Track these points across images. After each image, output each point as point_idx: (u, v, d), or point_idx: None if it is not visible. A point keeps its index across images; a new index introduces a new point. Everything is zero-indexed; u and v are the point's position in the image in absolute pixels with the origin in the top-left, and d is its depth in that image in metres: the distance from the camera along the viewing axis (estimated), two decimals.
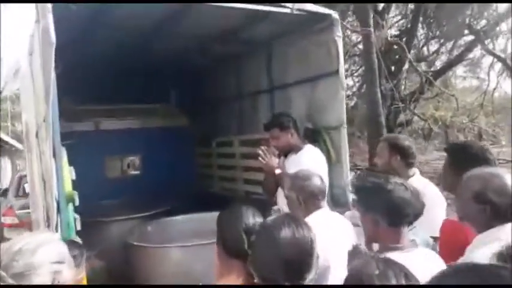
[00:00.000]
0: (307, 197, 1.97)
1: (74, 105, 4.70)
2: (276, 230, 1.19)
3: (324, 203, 2.03)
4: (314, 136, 3.37)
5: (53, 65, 1.99)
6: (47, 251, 1.17)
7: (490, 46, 10.57)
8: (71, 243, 1.68)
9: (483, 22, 9.94)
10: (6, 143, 16.57)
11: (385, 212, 1.59)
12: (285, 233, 1.18)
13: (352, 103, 15.75)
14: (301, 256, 1.17)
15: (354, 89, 15.37)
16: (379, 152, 2.69)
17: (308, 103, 3.51)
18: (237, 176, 4.56)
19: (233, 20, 3.27)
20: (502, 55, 10.40)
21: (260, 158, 2.98)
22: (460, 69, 15.09)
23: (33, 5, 2.17)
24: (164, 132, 5.15)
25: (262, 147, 3.02)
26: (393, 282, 0.87)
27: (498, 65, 11.81)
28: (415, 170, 2.64)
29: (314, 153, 3.05)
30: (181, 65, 4.61)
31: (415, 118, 13.14)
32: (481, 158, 1.93)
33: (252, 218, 1.48)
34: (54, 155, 2.06)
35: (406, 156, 2.56)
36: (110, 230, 3.72)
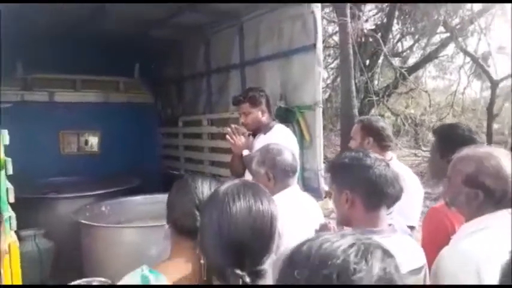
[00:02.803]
0: (277, 173, 1.74)
1: (27, 74, 4.32)
2: (227, 203, 0.94)
3: (294, 181, 1.81)
4: (287, 116, 3.15)
5: None
6: None
7: (463, 45, 10.73)
8: None
9: (457, 20, 9.99)
10: None
11: (363, 190, 1.38)
12: (240, 206, 0.93)
13: (326, 95, 15.74)
14: (261, 236, 0.92)
15: (328, 81, 15.33)
16: (353, 134, 2.53)
17: (281, 80, 3.28)
18: (203, 158, 4.30)
19: None
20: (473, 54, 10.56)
21: (228, 137, 2.75)
22: (432, 69, 15.36)
23: None
24: (127, 108, 4.83)
25: (232, 126, 2.79)
26: (369, 258, 0.64)
27: (468, 66, 12.06)
28: (392, 154, 2.49)
29: (285, 133, 2.83)
30: (146, 36, 4.29)
31: (387, 114, 13.25)
32: (468, 139, 1.76)
33: (209, 191, 1.24)
34: None
35: (380, 139, 2.39)
36: (60, 208, 3.40)
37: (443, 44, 10.98)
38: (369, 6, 12.47)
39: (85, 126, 4.82)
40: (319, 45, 2.93)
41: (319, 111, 2.97)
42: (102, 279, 2.06)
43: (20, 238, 2.12)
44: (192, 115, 4.60)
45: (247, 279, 0.86)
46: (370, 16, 12.82)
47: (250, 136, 2.88)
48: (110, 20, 3.77)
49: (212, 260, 0.94)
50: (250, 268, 0.89)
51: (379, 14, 12.46)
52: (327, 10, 12.44)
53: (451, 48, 12.12)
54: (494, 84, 9.77)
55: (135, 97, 4.97)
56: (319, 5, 2.89)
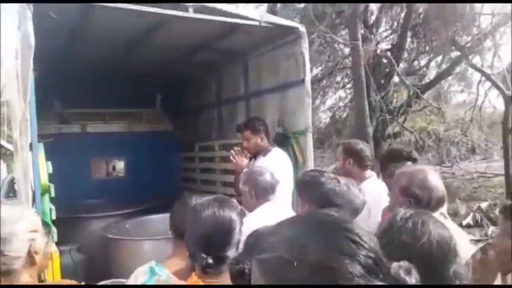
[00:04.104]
0: (258, 191, 2.18)
1: (63, 109, 4.94)
2: (200, 210, 1.39)
3: (274, 197, 2.23)
4: (283, 140, 3.59)
5: (31, 66, 2.20)
6: (25, 222, 1.40)
7: (479, 62, 10.88)
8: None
9: (468, 38, 10.21)
10: (1, 146, 16.75)
11: (318, 201, 1.79)
12: (207, 212, 1.37)
13: (344, 114, 16.01)
14: (220, 232, 1.35)
15: (346, 101, 15.63)
16: (337, 156, 2.92)
17: (279, 109, 3.74)
18: (216, 179, 4.76)
19: (209, 31, 3.52)
20: (489, 71, 10.66)
21: (231, 157, 3.21)
22: (455, 84, 15.39)
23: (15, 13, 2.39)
24: (149, 136, 5.37)
25: (235, 148, 3.25)
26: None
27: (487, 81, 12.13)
28: (371, 173, 2.85)
29: (280, 155, 3.28)
30: (166, 72, 4.84)
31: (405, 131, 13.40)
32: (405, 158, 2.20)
33: None
34: (31, 149, 2.27)
35: (359, 159, 2.77)
36: (91, 226, 3.91)
37: (456, 62, 11.18)
38: (382, 27, 12.87)
39: (113, 153, 5.41)
40: (308, 79, 3.39)
41: (309, 135, 3.40)
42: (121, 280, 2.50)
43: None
44: (207, 141, 5.09)
45: (210, 261, 1.31)
46: (384, 37, 13.19)
47: (252, 159, 3.35)
48: (136, 58, 4.29)
49: (190, 249, 1.38)
50: (214, 254, 1.33)
51: (392, 35, 12.79)
52: (342, 33, 12.93)
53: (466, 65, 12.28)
54: (507, 99, 9.85)
55: (156, 126, 5.53)
56: (307, 46, 3.36)
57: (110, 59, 4.19)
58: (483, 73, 10.20)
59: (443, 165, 13.88)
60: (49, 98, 4.46)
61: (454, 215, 7.53)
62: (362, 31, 10.37)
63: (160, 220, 3.83)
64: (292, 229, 0.70)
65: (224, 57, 4.33)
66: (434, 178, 1.79)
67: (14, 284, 1.35)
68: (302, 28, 3.34)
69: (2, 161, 19.34)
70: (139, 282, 1.62)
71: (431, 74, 13.89)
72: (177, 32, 3.48)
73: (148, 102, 5.49)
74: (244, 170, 3.14)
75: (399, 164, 2.10)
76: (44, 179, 2.40)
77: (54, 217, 2.53)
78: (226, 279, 1.34)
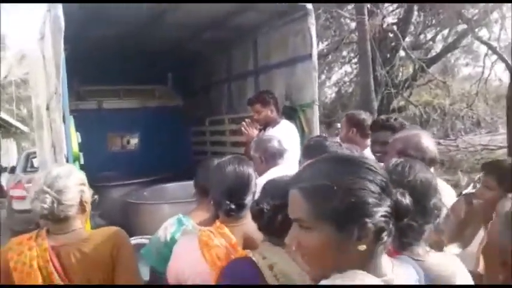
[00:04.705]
0: (267, 156, 2.43)
1: (80, 86, 5.18)
2: (224, 166, 1.64)
3: (282, 161, 2.48)
4: (290, 113, 3.82)
5: (62, 47, 2.43)
6: (76, 176, 1.67)
7: (486, 34, 10.87)
8: None
9: (475, 11, 10.20)
10: (11, 125, 17.17)
11: None
12: (229, 168, 1.63)
13: (350, 89, 16.10)
14: (240, 184, 1.61)
15: (352, 76, 15.69)
16: (341, 126, 3.15)
17: (287, 84, 3.95)
18: (226, 151, 5.02)
19: (222, 10, 3.70)
20: (495, 44, 10.66)
21: (243, 129, 3.45)
22: (462, 58, 15.34)
23: None
24: (161, 111, 5.62)
25: (246, 120, 3.49)
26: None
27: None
28: None
29: (288, 127, 3.51)
30: (177, 50, 5.02)
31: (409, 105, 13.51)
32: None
33: None
34: (64, 121, 2.52)
35: (361, 129, 3.01)
36: (110, 194, 4.20)
37: (462, 35, 11.19)
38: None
39: (127, 128, 5.69)
40: (314, 54, 3.58)
41: (316, 108, 3.62)
42: (145, 237, 2.77)
43: None
44: (217, 115, 5.33)
45: (233, 206, 1.57)
46: (390, 11, 13.12)
47: (262, 131, 3.58)
48: (149, 36, 4.44)
49: (215, 199, 1.64)
50: (236, 201, 1.59)
51: (399, 9, 12.75)
52: (349, 7, 12.89)
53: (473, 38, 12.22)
54: None
55: (168, 102, 5.77)
56: (314, 22, 3.54)
57: (124, 38, 4.36)
58: (489, 46, 10.23)
59: (448, 138, 14.02)
60: (68, 77, 4.68)
61: (455, 186, 7.79)
62: (368, 6, 10.39)
63: (175, 188, 4.13)
64: (325, 163, 0.91)
65: (234, 35, 4.50)
66: (427, 141, 2.03)
67: (70, 230, 1.62)
68: (310, 5, 3.51)
69: (12, 139, 19.82)
70: (168, 233, 1.87)
71: (438, 47, 13.87)
72: (188, 11, 3.66)
73: (161, 80, 5.71)
74: (254, 139, 3.40)
75: (376, 133, 2.39)
76: (75, 147, 2.66)
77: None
78: (245, 224, 1.60)
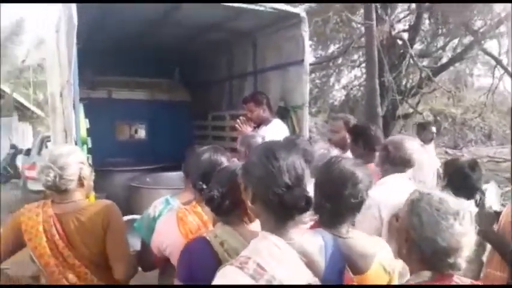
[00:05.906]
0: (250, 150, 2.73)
1: (92, 76, 5.53)
2: (200, 154, 1.95)
3: None
4: (284, 113, 4.12)
5: (75, 41, 2.76)
6: (76, 155, 1.97)
7: (495, 47, 10.91)
8: None
9: (481, 23, 10.30)
10: (28, 109, 17.74)
11: None
12: (205, 155, 1.92)
13: (359, 93, 16.20)
14: (213, 169, 1.86)
15: (361, 80, 15.79)
16: (335, 129, 3.38)
17: (281, 86, 4.26)
18: (226, 146, 5.33)
19: (223, 13, 4.00)
20: (504, 57, 10.72)
21: (237, 126, 3.76)
22: (475, 68, 15.29)
23: None
24: (167, 104, 5.96)
25: (241, 118, 3.80)
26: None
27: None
28: None
29: (279, 125, 3.83)
30: (184, 47, 5.35)
31: (425, 113, 13.45)
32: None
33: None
34: (74, 108, 2.86)
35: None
36: (116, 179, 4.56)
37: (470, 46, 11.27)
38: (399, 8, 12.92)
39: (135, 118, 6.06)
40: (306, 60, 3.87)
41: (306, 109, 3.92)
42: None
43: None
44: (218, 111, 5.65)
45: (205, 187, 1.87)
46: (401, 18, 13.22)
47: (256, 128, 3.89)
48: (158, 33, 4.75)
49: (192, 181, 1.93)
50: (208, 184, 1.90)
51: (409, 16, 12.85)
52: (361, 11, 13.03)
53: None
54: None
55: (174, 96, 6.11)
56: (307, 29, 3.82)
57: (135, 33, 4.69)
58: (495, 59, 10.33)
59: (457, 148, 14.03)
60: (80, 67, 5.04)
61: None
62: (379, 11, 10.53)
63: (175, 176, 4.46)
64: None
65: (235, 37, 4.81)
66: (409, 143, 2.32)
67: (70, 200, 1.94)
68: (303, 13, 3.80)
69: (28, 123, 20.38)
70: (157, 210, 2.16)
71: (448, 56, 13.94)
72: (193, 14, 3.98)
73: (168, 74, 6.06)
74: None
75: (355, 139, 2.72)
76: (84, 132, 3.00)
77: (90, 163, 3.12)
78: None
